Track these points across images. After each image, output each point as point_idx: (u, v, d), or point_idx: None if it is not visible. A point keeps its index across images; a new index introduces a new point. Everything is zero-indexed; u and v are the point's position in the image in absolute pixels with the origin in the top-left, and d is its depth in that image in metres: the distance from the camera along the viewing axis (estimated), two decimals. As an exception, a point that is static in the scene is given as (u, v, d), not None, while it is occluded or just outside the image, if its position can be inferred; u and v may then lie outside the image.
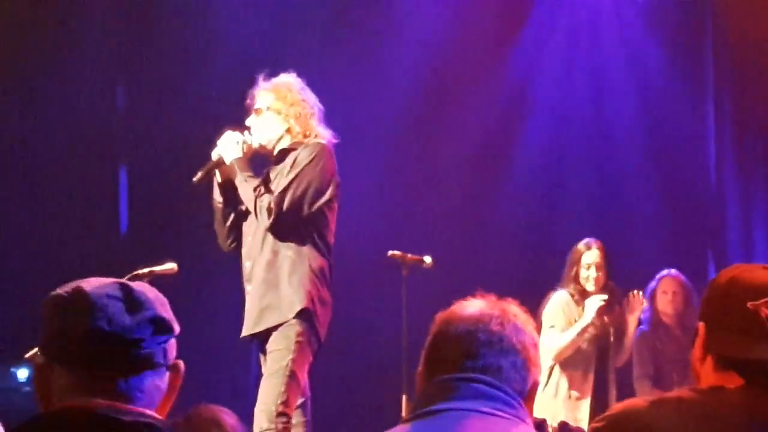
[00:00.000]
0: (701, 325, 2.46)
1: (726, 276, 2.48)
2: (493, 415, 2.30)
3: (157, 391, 2.06)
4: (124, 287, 2.07)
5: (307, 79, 5.89)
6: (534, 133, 9.09)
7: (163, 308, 2.09)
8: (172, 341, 2.10)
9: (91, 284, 2.07)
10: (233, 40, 8.53)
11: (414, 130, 8.77)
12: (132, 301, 2.05)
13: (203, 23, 8.62)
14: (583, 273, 7.10)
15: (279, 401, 5.45)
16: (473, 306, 2.44)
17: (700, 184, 8.99)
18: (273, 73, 5.87)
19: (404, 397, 6.10)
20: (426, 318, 2.56)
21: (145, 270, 5.51)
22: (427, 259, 6.37)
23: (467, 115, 8.87)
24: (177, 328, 2.11)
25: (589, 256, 7.11)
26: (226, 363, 7.86)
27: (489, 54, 9.01)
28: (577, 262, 7.13)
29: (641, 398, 2.49)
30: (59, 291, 2.07)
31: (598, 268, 7.10)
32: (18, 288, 7.30)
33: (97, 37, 8.42)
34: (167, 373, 2.09)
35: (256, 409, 5.49)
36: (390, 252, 6.43)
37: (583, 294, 7.08)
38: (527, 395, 2.38)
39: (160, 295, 2.12)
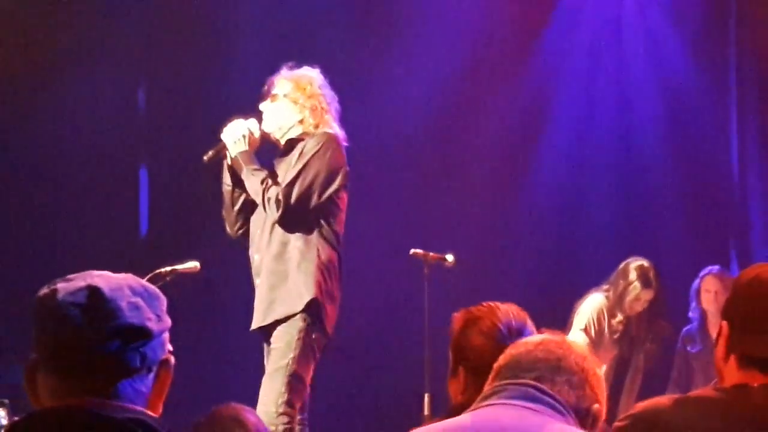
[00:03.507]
0: (724, 324, 2.45)
1: (748, 275, 2.48)
2: (535, 411, 2.26)
3: (137, 395, 2.00)
4: (92, 294, 1.98)
5: (329, 76, 5.86)
6: (558, 132, 9.07)
7: (136, 313, 1.99)
8: (157, 342, 2.02)
9: (66, 288, 2.00)
10: (255, 42, 8.54)
11: (438, 130, 8.75)
12: (97, 311, 1.97)
13: (225, 23, 8.63)
14: (628, 299, 6.98)
15: (280, 401, 5.36)
16: (539, 336, 2.44)
17: (724, 183, 8.94)
18: (297, 66, 5.85)
19: (426, 396, 6.07)
20: (448, 316, 2.56)
21: (168, 269, 5.49)
22: (449, 258, 6.33)
23: (491, 114, 8.85)
24: (162, 327, 2.03)
25: (645, 294, 7.00)
26: (246, 361, 7.85)
27: (514, 53, 8.99)
28: (629, 285, 6.98)
29: (665, 397, 2.49)
30: (41, 291, 2.02)
31: (642, 304, 7.03)
32: (37, 288, 7.31)
33: (118, 38, 8.44)
34: (150, 375, 2.02)
35: (257, 410, 5.26)
36: (412, 250, 6.41)
37: (619, 305, 7.04)
38: (582, 416, 2.30)
39: (147, 294, 2.04)
